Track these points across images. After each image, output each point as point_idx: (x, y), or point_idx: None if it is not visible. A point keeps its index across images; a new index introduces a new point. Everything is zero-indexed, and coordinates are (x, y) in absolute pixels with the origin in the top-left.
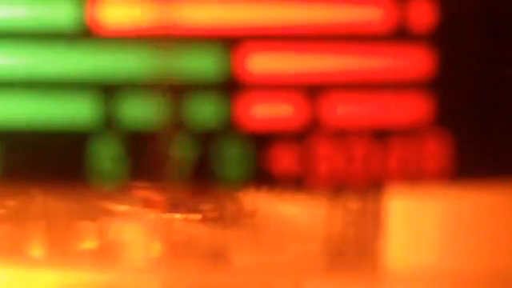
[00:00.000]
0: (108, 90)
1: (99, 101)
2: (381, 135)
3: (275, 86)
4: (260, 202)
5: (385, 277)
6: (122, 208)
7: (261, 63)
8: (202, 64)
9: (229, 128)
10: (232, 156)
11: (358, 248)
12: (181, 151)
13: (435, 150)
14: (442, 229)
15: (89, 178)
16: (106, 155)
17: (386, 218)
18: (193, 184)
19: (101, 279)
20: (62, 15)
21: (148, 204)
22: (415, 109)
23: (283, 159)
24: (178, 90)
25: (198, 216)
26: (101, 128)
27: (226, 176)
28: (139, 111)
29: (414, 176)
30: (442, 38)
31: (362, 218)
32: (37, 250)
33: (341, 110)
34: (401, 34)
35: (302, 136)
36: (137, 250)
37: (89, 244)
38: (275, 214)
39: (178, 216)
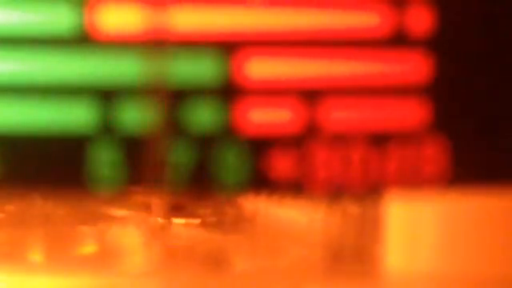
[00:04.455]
0: (106, 95)
1: (97, 106)
2: (379, 140)
3: (273, 92)
4: (259, 207)
5: (383, 281)
6: (120, 213)
7: (259, 68)
8: (200, 69)
9: (227, 133)
10: (230, 161)
11: (356, 252)
12: (179, 156)
13: (433, 154)
14: (440, 233)
15: (87, 184)
16: (104, 160)
17: (385, 222)
18: (191, 189)
19: (100, 284)
20: (61, 21)
21: (147, 209)
22: (413, 114)
23: (281, 164)
24: (176, 96)
25: (197, 221)
26: (99, 133)
27: (225, 181)
28: (137, 116)
29: (411, 181)
30: (439, 44)
31: (361, 222)
32: (36, 255)
33: (339, 115)
34: (398, 40)
35: (300, 141)
36: (136, 254)
37: (88, 249)
38: (274, 218)
39: (176, 221)
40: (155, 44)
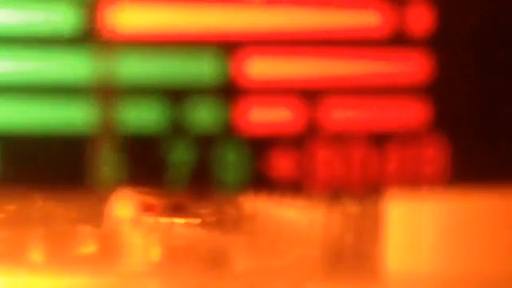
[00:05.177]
0: (108, 94)
1: (99, 105)
2: (379, 140)
3: (273, 91)
4: (259, 207)
5: (383, 281)
6: (121, 212)
7: (259, 68)
8: (200, 69)
9: (227, 133)
10: (230, 161)
11: (356, 252)
12: (180, 156)
13: (433, 154)
14: (440, 233)
15: (88, 183)
16: (105, 160)
17: (385, 222)
18: (192, 188)
19: (100, 284)
20: (62, 20)
21: (147, 208)
22: (413, 113)
23: (282, 164)
24: (176, 95)
25: (198, 220)
26: (100, 132)
27: (225, 180)
28: (138, 116)
29: (412, 180)
30: (440, 44)
31: (361, 222)
32: (36, 255)
33: (339, 115)
34: (399, 39)
35: (300, 141)
36: (136, 254)
37: (88, 248)
38: (274, 218)
39: (177, 220)
40: (156, 43)
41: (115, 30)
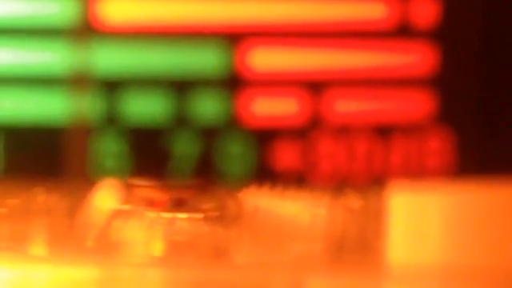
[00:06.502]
0: (111, 86)
1: (102, 97)
2: (383, 132)
3: (277, 83)
4: (261, 200)
5: (387, 273)
6: (124, 206)
7: (263, 59)
8: (204, 60)
9: (231, 124)
10: (234, 152)
11: (359, 245)
12: (183, 147)
13: (437, 146)
14: (443, 225)
15: (91, 175)
16: (108, 152)
17: (388, 214)
18: (195, 180)
19: (103, 276)
20: (65, 12)
21: (150, 202)
22: (418, 105)
23: (285, 156)
24: (180, 86)
25: (200, 214)
26: (104, 124)
27: (228, 172)
28: (142, 107)
29: (416, 173)
30: (444, 36)
31: (364, 215)
32: (39, 248)
33: (343, 107)
34: (404, 31)
35: (304, 132)
36: (139, 247)
37: (90, 242)
38: (277, 212)
39: (179, 215)
40: (158, 35)
41: (119, 21)
